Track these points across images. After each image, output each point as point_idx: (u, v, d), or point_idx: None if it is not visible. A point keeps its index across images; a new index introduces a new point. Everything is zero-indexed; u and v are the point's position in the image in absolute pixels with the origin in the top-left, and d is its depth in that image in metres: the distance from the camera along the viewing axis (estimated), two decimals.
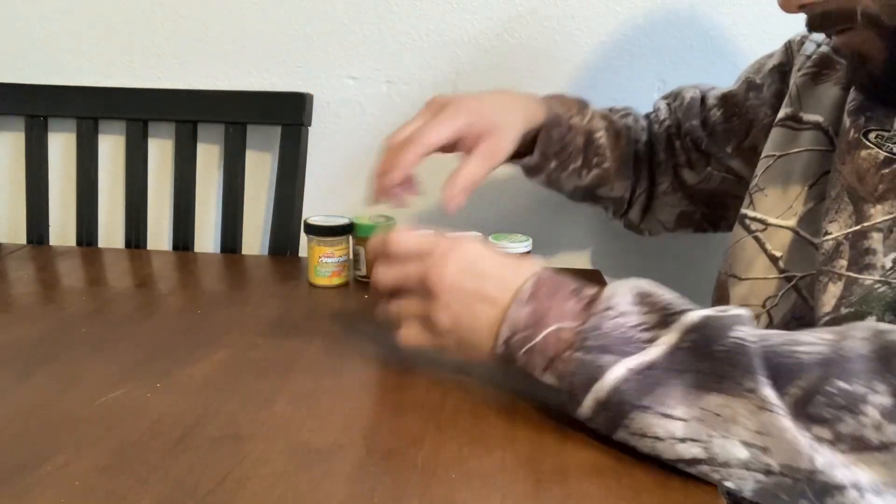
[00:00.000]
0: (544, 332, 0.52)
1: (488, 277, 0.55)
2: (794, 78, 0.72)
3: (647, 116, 0.91)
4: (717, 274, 0.74)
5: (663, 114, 0.88)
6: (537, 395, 0.60)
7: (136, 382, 0.60)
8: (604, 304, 0.51)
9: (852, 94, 0.63)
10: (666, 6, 1.01)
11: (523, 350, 0.53)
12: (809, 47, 0.72)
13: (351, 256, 0.88)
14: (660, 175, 0.87)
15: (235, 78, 1.08)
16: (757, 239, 0.68)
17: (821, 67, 0.69)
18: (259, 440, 0.52)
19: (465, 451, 0.51)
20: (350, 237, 0.87)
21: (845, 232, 0.57)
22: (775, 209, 0.67)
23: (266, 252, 1.08)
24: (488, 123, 0.68)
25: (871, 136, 0.58)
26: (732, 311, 0.49)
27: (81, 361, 0.64)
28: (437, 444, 0.52)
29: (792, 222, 0.66)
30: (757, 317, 0.68)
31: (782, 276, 0.65)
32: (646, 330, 0.49)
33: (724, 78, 1.03)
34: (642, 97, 1.05)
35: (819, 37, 0.71)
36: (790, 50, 0.76)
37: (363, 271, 0.88)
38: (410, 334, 0.58)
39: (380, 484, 0.47)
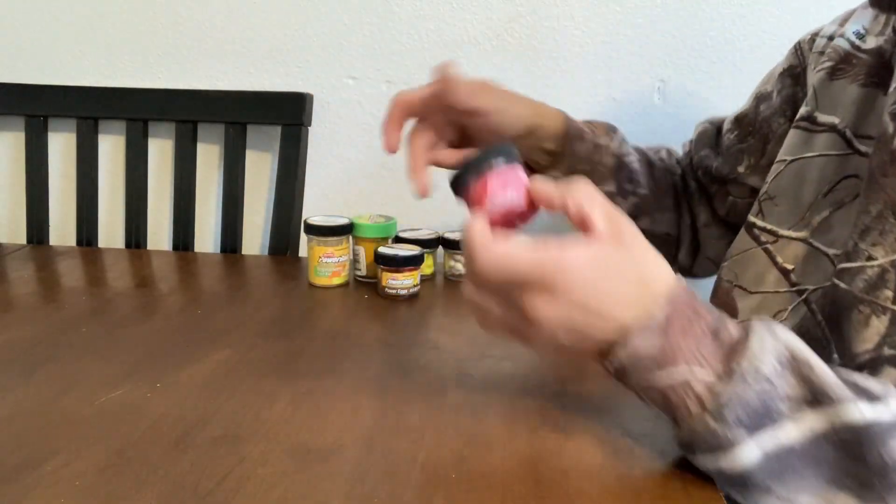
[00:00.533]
0: (672, 376, 0.45)
1: (605, 312, 0.45)
2: (811, 77, 0.68)
3: (680, 150, 0.89)
4: (716, 278, 0.73)
5: (687, 147, 0.86)
6: (537, 395, 0.60)
7: (136, 382, 0.60)
8: (750, 365, 0.43)
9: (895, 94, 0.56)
10: (666, 6, 1.01)
11: (640, 382, 0.46)
12: (821, 43, 0.68)
13: (351, 256, 0.88)
14: (696, 206, 0.83)
15: (235, 78, 1.08)
16: (767, 251, 0.65)
17: (836, 62, 0.64)
18: (259, 440, 0.52)
19: (465, 451, 0.51)
20: (350, 237, 0.87)
21: (893, 258, 0.51)
22: (787, 219, 0.64)
23: (266, 252, 1.08)
24: (478, 83, 0.66)
25: None
26: (893, 405, 0.43)
27: (81, 361, 0.64)
28: (437, 444, 0.52)
29: (805, 233, 0.62)
30: None
31: (793, 289, 0.62)
32: (788, 401, 0.43)
33: (724, 78, 1.03)
34: (642, 97, 1.05)
35: (830, 30, 0.68)
36: (800, 51, 0.72)
37: (363, 271, 0.88)
38: (492, 328, 0.49)
39: (380, 484, 0.47)
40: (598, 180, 0.74)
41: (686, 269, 0.86)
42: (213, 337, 0.70)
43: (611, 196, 0.75)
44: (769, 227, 0.66)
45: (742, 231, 0.69)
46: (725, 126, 0.80)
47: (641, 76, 1.04)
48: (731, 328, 0.46)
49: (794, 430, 0.43)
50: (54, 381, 0.60)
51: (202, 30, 1.07)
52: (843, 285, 0.55)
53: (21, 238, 1.10)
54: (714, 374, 0.44)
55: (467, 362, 0.66)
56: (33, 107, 1.08)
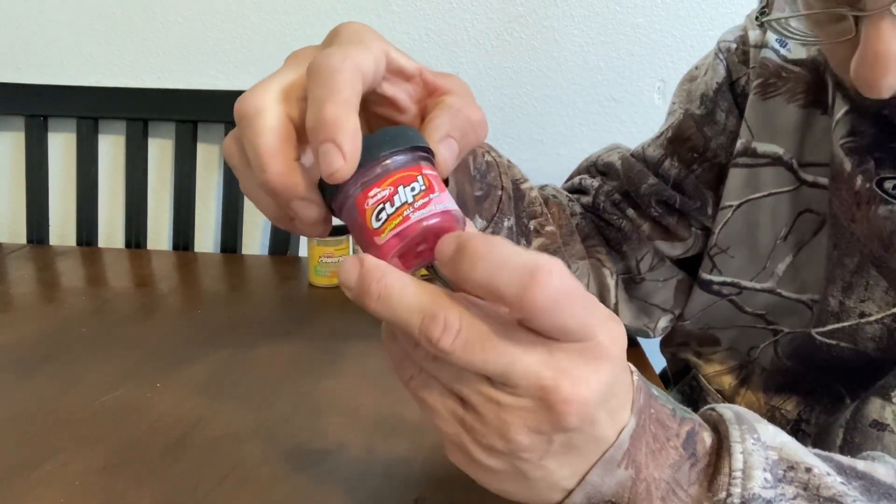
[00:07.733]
0: None
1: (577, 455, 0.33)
2: (740, 95, 0.59)
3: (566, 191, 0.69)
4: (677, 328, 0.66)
5: (593, 182, 0.66)
6: None
7: (136, 382, 0.60)
8: (740, 492, 0.33)
9: (844, 124, 0.48)
10: (666, 6, 1.01)
11: None
12: (755, 55, 0.58)
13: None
14: (634, 250, 0.64)
15: (235, 78, 1.08)
16: (733, 302, 0.60)
17: (766, 78, 0.55)
18: (259, 440, 0.52)
19: None
20: (350, 237, 0.87)
21: (890, 313, 0.48)
22: (746, 271, 0.58)
23: (266, 252, 1.08)
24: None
25: (889, 185, 0.46)
26: None
27: (81, 361, 0.64)
28: (436, 444, 0.52)
29: (770, 284, 0.57)
30: (741, 366, 0.63)
31: (770, 327, 0.59)
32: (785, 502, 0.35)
33: None
34: (642, 97, 1.05)
35: (755, 37, 0.58)
36: (727, 61, 0.60)
37: None
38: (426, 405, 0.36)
39: (380, 484, 0.47)
40: (496, 212, 0.54)
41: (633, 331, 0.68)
42: (213, 337, 0.70)
43: (511, 235, 0.55)
44: (729, 280, 0.59)
45: (697, 289, 0.62)
46: (655, 153, 0.63)
47: (641, 76, 1.04)
48: (706, 437, 0.35)
49: None
50: (54, 381, 0.60)
51: (202, 30, 1.07)
52: (833, 342, 0.52)
53: (21, 238, 1.10)
54: None
55: None
56: (33, 107, 1.08)
